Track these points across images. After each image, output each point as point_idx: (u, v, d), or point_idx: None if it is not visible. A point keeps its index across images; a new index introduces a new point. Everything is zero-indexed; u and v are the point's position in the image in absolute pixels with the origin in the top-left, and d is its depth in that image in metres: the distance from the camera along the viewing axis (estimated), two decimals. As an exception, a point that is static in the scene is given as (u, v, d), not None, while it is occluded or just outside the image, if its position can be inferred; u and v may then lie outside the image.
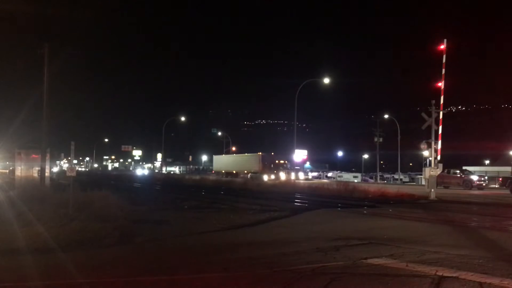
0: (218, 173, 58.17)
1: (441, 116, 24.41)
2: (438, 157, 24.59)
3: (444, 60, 24.22)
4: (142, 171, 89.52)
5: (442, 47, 24.30)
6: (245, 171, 51.79)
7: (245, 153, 63.81)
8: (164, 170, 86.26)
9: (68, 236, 9.49)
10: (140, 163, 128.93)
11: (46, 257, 7.94)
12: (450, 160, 25.57)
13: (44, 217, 11.05)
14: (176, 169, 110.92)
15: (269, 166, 49.42)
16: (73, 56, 20.06)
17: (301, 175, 51.35)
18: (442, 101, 24.40)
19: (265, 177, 44.63)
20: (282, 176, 45.09)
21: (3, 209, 12.85)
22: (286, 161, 52.04)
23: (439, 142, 24.16)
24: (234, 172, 54.31)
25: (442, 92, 24.53)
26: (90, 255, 8.31)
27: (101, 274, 6.70)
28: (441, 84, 24.55)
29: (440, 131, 24.27)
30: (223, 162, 60.79)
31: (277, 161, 51.78)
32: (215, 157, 65.00)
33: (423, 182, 29.00)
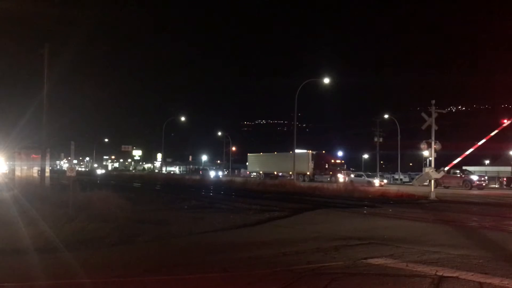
0: (254, 174, 51.31)
1: (483, 141, 24.63)
2: (446, 168, 25.28)
3: None
4: (214, 173, 62.52)
5: None
6: (290, 172, 44.79)
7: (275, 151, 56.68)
8: (164, 170, 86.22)
9: (68, 236, 9.49)
10: (140, 163, 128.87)
11: (47, 256, 7.93)
12: (450, 160, 25.58)
13: (44, 217, 11.05)
14: (176, 169, 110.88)
15: (323, 166, 44.17)
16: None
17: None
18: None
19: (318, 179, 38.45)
20: (341, 178, 38.07)
21: (3, 209, 12.84)
22: (342, 161, 46.50)
23: (458, 159, 24.84)
24: (275, 173, 48.37)
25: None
26: (90, 255, 8.30)
27: (101, 274, 6.70)
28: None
29: (467, 152, 24.59)
30: (261, 161, 54.30)
31: (332, 161, 45.83)
32: (250, 156, 58.51)
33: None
